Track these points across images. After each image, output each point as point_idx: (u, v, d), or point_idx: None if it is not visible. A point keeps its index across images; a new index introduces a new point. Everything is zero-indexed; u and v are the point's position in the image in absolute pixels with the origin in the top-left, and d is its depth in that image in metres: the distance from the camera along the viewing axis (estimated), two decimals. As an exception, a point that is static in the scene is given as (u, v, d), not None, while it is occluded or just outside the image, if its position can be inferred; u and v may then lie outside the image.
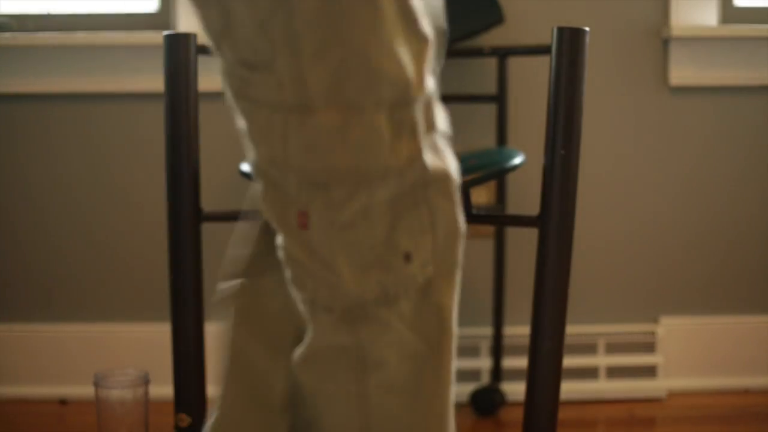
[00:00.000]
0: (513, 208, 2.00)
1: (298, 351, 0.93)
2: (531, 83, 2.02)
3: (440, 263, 0.89)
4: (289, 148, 0.83)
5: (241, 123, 0.89)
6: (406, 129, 0.84)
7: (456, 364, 0.95)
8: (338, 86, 0.81)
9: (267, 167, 0.86)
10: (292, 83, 0.81)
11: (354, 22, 0.79)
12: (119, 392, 1.58)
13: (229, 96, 0.90)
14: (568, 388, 2.00)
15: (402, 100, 0.84)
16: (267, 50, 0.82)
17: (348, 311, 0.87)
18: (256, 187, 0.90)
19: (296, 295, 0.91)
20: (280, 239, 0.89)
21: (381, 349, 0.88)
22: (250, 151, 0.88)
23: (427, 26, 0.86)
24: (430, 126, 0.88)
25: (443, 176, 0.88)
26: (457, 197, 0.90)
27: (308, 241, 0.86)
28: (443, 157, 0.89)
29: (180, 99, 1.47)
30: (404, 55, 0.83)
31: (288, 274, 0.90)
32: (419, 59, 0.85)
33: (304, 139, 0.82)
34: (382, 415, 0.91)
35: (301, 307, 0.92)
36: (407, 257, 0.86)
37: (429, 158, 0.87)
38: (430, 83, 0.89)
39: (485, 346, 2.03)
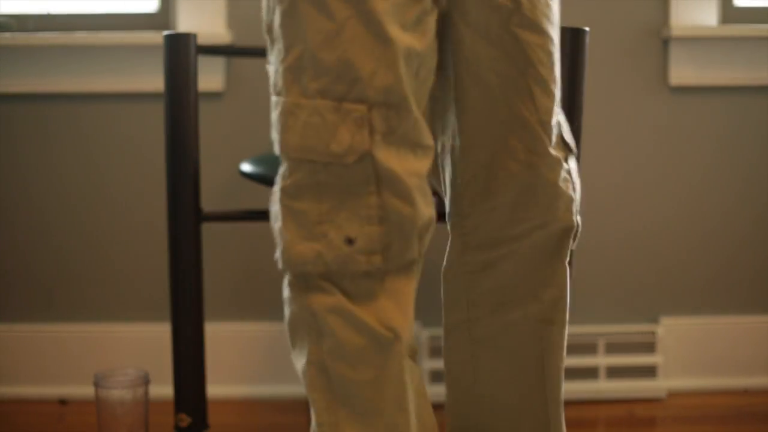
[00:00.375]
0: (513, 208, 2.00)
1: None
2: (531, 83, 2.01)
3: (393, 257, 0.97)
4: (274, 125, 0.99)
5: None
6: (352, 121, 0.94)
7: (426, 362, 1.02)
8: (296, 76, 0.96)
9: None
10: (275, 73, 0.99)
11: (309, 25, 0.94)
12: (119, 392, 1.59)
13: None
14: (568, 388, 2.00)
15: (350, 95, 0.94)
16: (269, 47, 1.01)
17: (298, 278, 0.98)
18: None
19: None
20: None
21: (327, 316, 0.97)
22: None
23: (398, 33, 0.95)
24: (399, 134, 0.96)
25: (397, 179, 0.96)
26: (419, 203, 0.98)
27: (274, 209, 1.00)
28: (408, 168, 0.97)
29: (180, 99, 1.48)
30: (360, 56, 0.94)
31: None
32: (385, 63, 0.94)
33: (274, 118, 0.98)
34: (344, 388, 0.99)
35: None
36: (349, 241, 0.96)
37: (382, 157, 0.95)
38: (413, 97, 0.98)
39: (485, 346, 2.03)
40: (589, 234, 2.05)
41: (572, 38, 1.29)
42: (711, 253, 2.08)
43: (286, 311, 1.01)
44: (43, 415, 1.96)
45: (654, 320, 2.09)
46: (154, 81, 1.95)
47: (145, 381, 1.61)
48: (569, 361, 2.01)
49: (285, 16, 0.96)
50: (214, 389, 1.99)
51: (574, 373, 2.03)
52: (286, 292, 1.00)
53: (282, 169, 0.98)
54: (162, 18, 2.05)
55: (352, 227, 0.96)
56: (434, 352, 2.03)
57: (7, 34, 1.98)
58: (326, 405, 0.99)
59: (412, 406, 1.02)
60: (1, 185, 2.04)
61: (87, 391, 1.92)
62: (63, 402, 2.03)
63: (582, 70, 1.30)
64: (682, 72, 2.02)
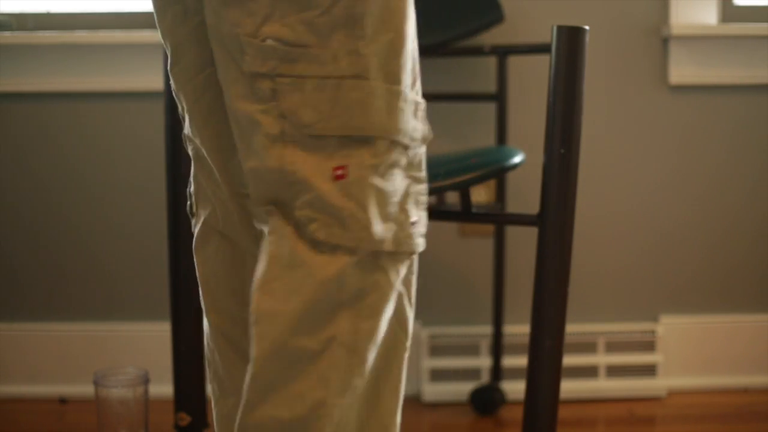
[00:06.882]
0: (513, 206, 2.00)
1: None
2: (531, 82, 2.02)
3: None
4: (338, 109, 0.96)
5: (256, 107, 0.98)
6: (420, 112, 1.01)
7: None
8: (383, 62, 0.97)
9: (303, 133, 0.97)
10: (347, 55, 0.95)
11: (403, 16, 0.97)
12: (119, 391, 1.59)
13: (246, 86, 0.98)
14: (568, 387, 2.00)
15: (415, 88, 1.01)
16: (325, 29, 0.95)
17: (364, 258, 0.98)
18: (273, 158, 0.98)
19: (311, 242, 0.98)
20: (302, 198, 0.98)
21: (378, 299, 0.99)
22: (274, 127, 0.97)
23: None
24: None
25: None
26: None
27: (346, 188, 0.97)
28: None
29: (180, 98, 1.47)
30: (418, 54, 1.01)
31: (308, 224, 0.98)
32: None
33: (356, 99, 0.96)
34: (359, 372, 0.99)
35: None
36: (413, 224, 1.01)
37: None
38: None
39: (485, 344, 2.03)
40: (589, 233, 2.05)
41: (572, 37, 1.29)
42: (711, 252, 2.08)
43: (317, 291, 0.98)
44: (43, 414, 1.96)
45: (654, 319, 2.09)
46: (154, 80, 1.95)
47: (145, 380, 1.61)
48: (570, 359, 2.01)
49: (375, 2, 0.96)
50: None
51: (574, 372, 2.03)
52: (342, 265, 0.98)
53: (366, 151, 0.98)
54: (162, 17, 2.04)
55: (414, 211, 1.02)
56: (434, 351, 2.03)
57: (7, 33, 1.98)
58: (342, 387, 0.99)
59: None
60: (0, 184, 2.04)
61: (87, 389, 1.92)
62: (63, 401, 2.03)
63: (581, 68, 1.30)
64: (682, 71, 2.01)
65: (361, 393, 1.01)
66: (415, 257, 1.03)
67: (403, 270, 1.01)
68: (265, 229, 1.00)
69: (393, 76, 0.97)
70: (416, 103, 1.01)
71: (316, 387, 0.97)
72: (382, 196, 0.98)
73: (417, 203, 1.02)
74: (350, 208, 0.97)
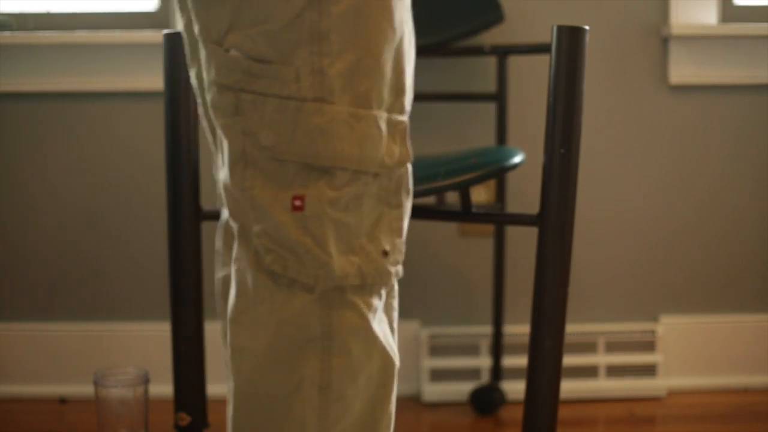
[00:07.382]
0: (513, 206, 2.00)
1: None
2: (531, 82, 2.02)
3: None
4: (297, 134, 0.89)
5: (223, 120, 0.93)
6: (399, 133, 0.93)
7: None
8: (348, 83, 0.89)
9: (263, 155, 0.92)
10: (311, 75, 0.88)
11: (374, 31, 0.89)
12: (119, 391, 1.59)
13: (215, 95, 0.93)
14: (568, 387, 2.00)
15: (397, 106, 0.93)
16: (287, 44, 0.88)
17: (327, 293, 0.93)
18: (240, 179, 0.94)
19: (268, 273, 0.94)
20: (260, 225, 0.93)
21: (349, 335, 0.94)
22: (236, 144, 0.93)
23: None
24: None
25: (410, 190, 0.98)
26: None
27: (302, 221, 0.91)
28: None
29: (179, 98, 1.47)
30: (408, 66, 0.94)
31: (265, 255, 0.94)
32: (413, 73, 0.95)
33: (317, 125, 0.89)
34: (342, 407, 0.95)
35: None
36: (385, 253, 0.94)
37: (408, 169, 0.96)
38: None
39: (485, 344, 2.03)
40: (589, 233, 2.05)
41: (572, 37, 1.29)
42: (711, 252, 2.08)
43: (285, 329, 0.94)
44: (43, 414, 1.96)
45: (654, 319, 2.09)
46: (154, 80, 1.95)
47: (145, 380, 1.61)
48: (569, 359, 2.01)
49: (344, 17, 0.88)
50: (214, 388, 1.99)
51: (574, 372, 2.03)
52: (300, 305, 0.94)
53: (324, 182, 0.91)
54: (161, 17, 2.05)
55: (386, 239, 0.95)
56: (434, 351, 2.03)
57: (7, 33, 1.98)
58: (321, 425, 0.96)
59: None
60: (0, 184, 2.04)
61: (87, 389, 1.92)
62: (63, 401, 2.03)
63: (581, 68, 1.30)
64: (682, 71, 2.01)
65: (354, 422, 0.97)
66: (394, 283, 0.97)
67: (378, 301, 0.96)
68: (234, 250, 0.96)
69: (362, 99, 0.90)
70: (394, 124, 0.93)
71: (293, 427, 0.94)
72: (344, 230, 0.92)
73: (391, 230, 0.95)
74: (307, 244, 0.91)
